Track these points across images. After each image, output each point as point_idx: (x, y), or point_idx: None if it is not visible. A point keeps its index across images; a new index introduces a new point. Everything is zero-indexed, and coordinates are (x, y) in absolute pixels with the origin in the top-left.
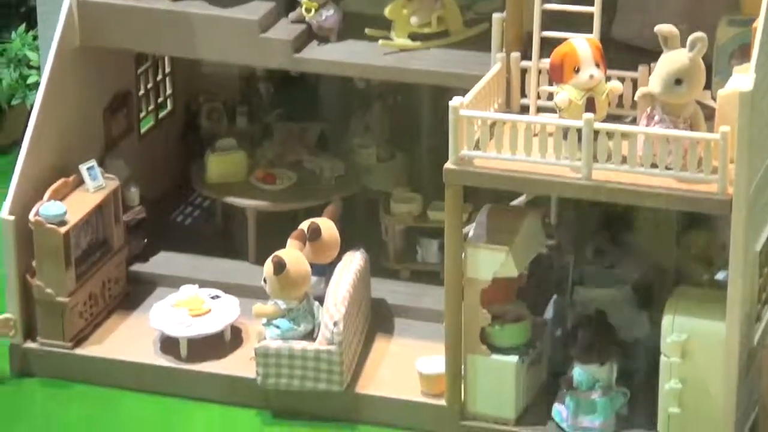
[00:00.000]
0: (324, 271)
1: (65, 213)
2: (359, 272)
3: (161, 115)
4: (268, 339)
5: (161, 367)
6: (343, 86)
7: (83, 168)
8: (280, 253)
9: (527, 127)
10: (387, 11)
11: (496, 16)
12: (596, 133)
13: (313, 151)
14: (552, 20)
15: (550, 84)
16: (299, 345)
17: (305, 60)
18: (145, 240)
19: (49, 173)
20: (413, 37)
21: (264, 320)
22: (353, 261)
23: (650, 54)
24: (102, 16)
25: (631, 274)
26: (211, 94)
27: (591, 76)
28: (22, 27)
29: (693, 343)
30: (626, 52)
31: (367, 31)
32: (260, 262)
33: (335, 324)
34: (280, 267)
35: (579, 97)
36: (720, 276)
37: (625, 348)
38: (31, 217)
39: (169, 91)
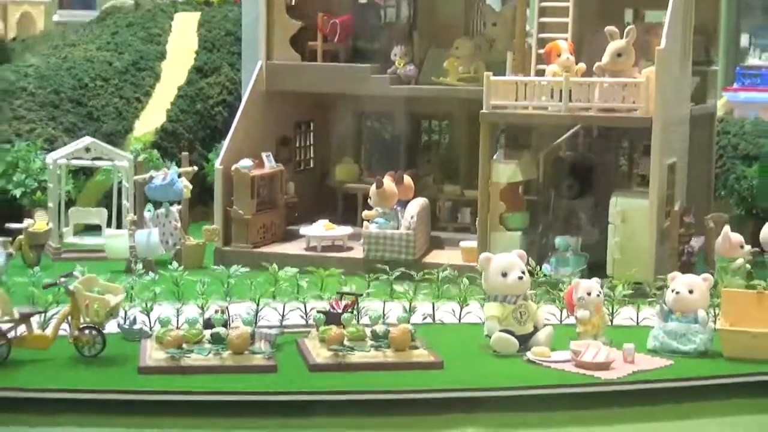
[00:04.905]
0: (404, 205)
1: (252, 166)
2: (424, 204)
3: (306, 167)
4: (371, 229)
5: (305, 255)
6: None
7: (264, 154)
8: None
9: (530, 83)
10: (446, 64)
11: (509, 53)
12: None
13: None
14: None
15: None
16: (390, 231)
17: (395, 88)
18: (296, 214)
19: (243, 153)
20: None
21: (370, 221)
22: (420, 200)
23: None
24: (280, 71)
25: (589, 205)
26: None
27: (567, 58)
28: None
29: (628, 213)
30: None
31: (432, 77)
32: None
33: (412, 217)
34: (379, 183)
35: (561, 71)
36: None
37: (585, 248)
38: (232, 168)
39: (312, 155)
